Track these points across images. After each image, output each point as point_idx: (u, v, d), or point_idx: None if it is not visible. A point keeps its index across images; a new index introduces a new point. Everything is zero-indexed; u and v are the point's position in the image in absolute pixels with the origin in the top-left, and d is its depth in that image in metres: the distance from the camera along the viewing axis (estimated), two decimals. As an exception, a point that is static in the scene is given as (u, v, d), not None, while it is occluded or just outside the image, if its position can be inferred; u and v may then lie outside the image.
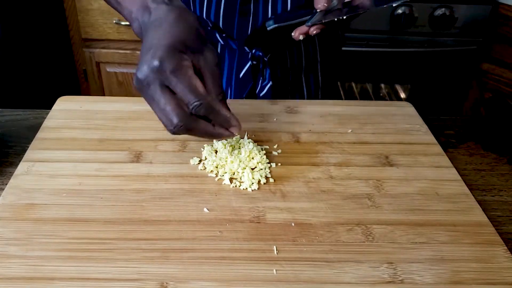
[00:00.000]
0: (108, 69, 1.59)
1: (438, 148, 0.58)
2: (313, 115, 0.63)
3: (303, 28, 0.55)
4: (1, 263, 0.40)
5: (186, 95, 0.41)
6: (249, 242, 0.43)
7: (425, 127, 0.61)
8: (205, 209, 0.47)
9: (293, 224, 0.45)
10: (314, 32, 0.55)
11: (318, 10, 0.53)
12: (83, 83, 1.65)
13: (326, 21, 0.52)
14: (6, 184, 0.49)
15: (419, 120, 0.63)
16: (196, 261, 0.41)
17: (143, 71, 0.41)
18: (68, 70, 1.63)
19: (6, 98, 1.33)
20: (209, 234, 0.44)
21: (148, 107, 0.43)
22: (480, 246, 0.44)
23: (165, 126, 0.43)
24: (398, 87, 1.58)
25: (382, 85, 1.59)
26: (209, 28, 0.70)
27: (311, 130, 0.60)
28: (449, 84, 1.50)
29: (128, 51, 1.55)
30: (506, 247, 0.43)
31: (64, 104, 0.63)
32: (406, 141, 0.59)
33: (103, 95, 1.63)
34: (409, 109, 0.65)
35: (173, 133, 0.43)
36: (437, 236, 0.44)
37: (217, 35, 0.70)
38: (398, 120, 0.63)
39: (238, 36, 0.69)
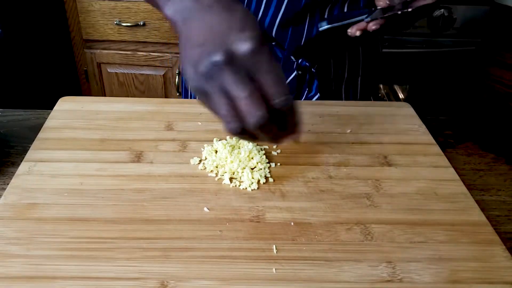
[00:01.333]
0: (109, 70, 1.60)
1: (436, 148, 0.58)
2: (312, 116, 0.63)
3: (361, 24, 0.54)
4: (3, 263, 0.40)
5: (273, 86, 0.36)
6: (248, 241, 0.43)
7: (423, 128, 0.62)
8: (205, 209, 0.47)
9: (292, 224, 0.45)
10: (373, 27, 0.53)
11: (378, 7, 0.52)
12: (84, 83, 1.66)
13: (387, 15, 0.52)
14: (8, 184, 0.49)
15: (417, 120, 0.63)
16: (197, 260, 0.41)
17: (212, 56, 0.35)
18: (69, 70, 1.64)
19: (8, 98, 1.34)
20: (209, 233, 0.44)
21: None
22: (479, 246, 0.44)
23: (235, 121, 0.36)
24: (396, 87, 1.58)
25: (381, 86, 1.60)
26: None
27: (310, 130, 0.60)
28: (448, 85, 1.50)
29: (129, 52, 1.56)
30: (504, 247, 0.44)
31: (66, 105, 0.64)
32: (404, 141, 0.59)
33: (104, 95, 1.64)
34: (408, 110, 0.66)
35: (242, 132, 0.37)
36: (436, 235, 0.45)
37: None
38: (397, 120, 0.63)
39: (289, 45, 0.67)
